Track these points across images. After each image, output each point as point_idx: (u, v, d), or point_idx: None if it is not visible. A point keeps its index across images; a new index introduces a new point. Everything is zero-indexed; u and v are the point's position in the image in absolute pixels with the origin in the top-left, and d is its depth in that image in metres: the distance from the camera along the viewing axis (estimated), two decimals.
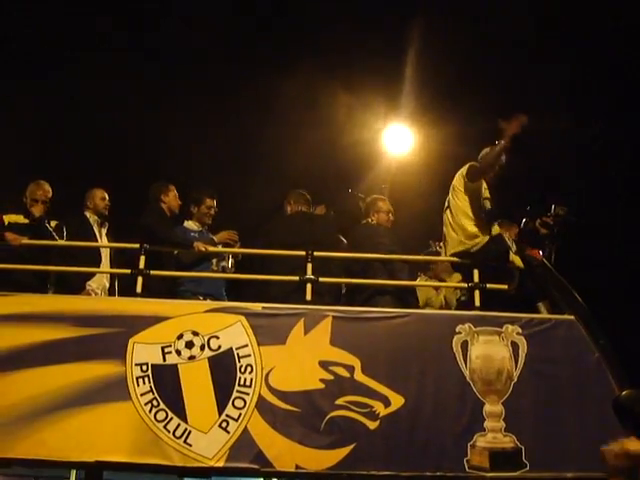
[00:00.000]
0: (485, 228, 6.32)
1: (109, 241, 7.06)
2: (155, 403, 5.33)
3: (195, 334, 5.54)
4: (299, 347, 5.60)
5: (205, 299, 6.37)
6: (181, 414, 5.32)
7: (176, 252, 6.64)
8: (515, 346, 5.68)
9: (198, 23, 12.28)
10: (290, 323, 5.65)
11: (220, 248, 6.92)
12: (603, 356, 5.63)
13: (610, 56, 11.72)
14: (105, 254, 6.90)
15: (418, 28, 12.09)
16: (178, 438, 5.26)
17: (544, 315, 5.99)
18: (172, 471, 5.25)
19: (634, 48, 11.26)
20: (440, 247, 7.08)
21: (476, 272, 6.11)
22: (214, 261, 6.85)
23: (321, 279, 6.05)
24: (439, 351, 5.66)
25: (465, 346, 5.64)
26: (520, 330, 5.72)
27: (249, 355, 5.51)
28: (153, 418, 5.29)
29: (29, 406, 5.27)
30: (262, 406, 5.39)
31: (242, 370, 5.46)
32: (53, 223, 6.71)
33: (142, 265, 6.05)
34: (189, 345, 5.50)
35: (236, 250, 6.95)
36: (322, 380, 5.49)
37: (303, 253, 6.11)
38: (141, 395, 5.35)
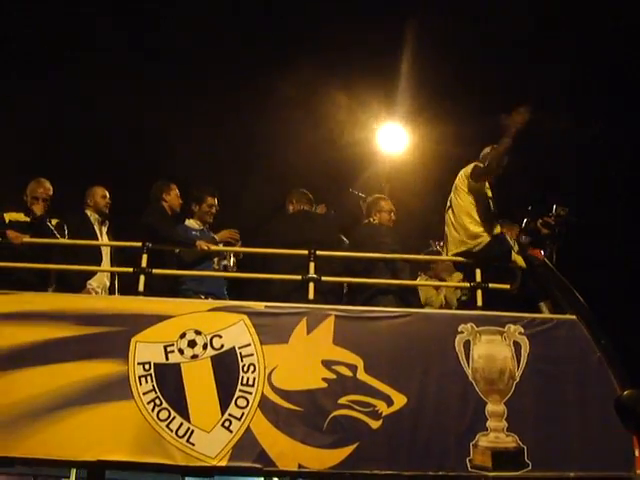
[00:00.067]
0: (487, 228, 6.29)
1: (110, 239, 7.03)
2: (158, 402, 5.31)
3: (198, 333, 5.51)
4: (302, 346, 5.58)
5: (207, 298, 6.34)
6: (184, 413, 5.30)
7: (178, 251, 6.61)
8: (517, 346, 5.66)
9: (198, 23, 12.29)
10: (293, 322, 5.63)
11: (221, 247, 6.89)
12: (605, 356, 5.62)
13: (610, 56, 11.73)
14: (106, 252, 6.87)
15: (414, 28, 12.13)
16: (181, 437, 5.24)
17: (546, 315, 5.97)
18: (175, 470, 5.25)
19: (634, 48, 11.28)
20: (440, 246, 7.08)
21: (478, 272, 6.10)
22: (216, 260, 6.81)
23: (324, 278, 6.03)
24: (442, 351, 5.64)
25: (467, 346, 5.63)
26: (522, 330, 5.71)
27: (252, 354, 5.48)
28: (156, 417, 5.28)
29: (31, 405, 5.25)
30: (265, 405, 5.37)
31: (245, 369, 5.44)
32: (54, 221, 6.67)
33: (144, 264, 6.03)
34: (192, 344, 5.48)
35: (238, 249, 6.90)
36: (325, 379, 5.47)
37: (305, 252, 6.08)
38: (143, 394, 5.32)
